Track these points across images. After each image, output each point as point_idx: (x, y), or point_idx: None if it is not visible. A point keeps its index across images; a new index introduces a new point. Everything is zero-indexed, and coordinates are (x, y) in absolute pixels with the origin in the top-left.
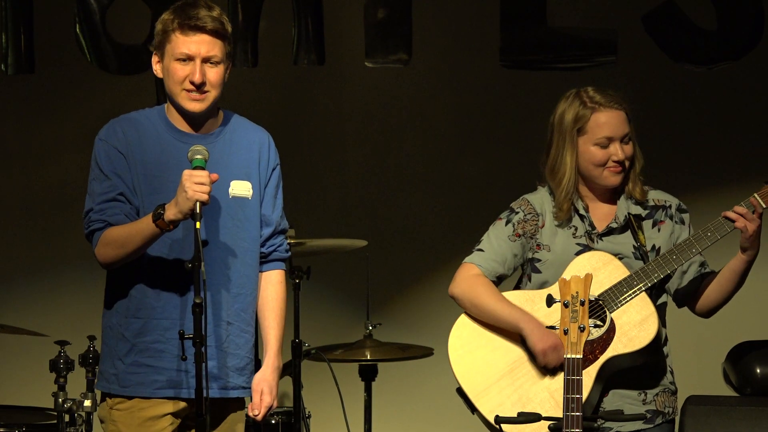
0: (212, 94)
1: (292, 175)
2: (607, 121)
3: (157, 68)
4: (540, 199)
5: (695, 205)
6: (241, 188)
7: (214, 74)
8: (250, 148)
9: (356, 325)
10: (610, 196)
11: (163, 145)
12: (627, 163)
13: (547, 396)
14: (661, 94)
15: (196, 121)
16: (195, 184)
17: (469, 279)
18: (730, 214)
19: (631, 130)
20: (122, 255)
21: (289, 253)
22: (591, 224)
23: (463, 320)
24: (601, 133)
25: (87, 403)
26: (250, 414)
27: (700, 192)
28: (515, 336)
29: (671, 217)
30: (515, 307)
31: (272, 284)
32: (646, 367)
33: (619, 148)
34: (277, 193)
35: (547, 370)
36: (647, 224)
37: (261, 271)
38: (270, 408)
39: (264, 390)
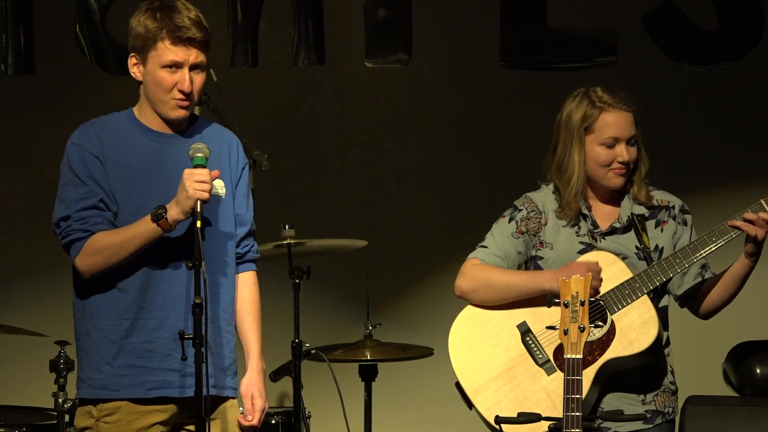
0: (194, 99)
1: (292, 175)
2: (615, 121)
3: (135, 71)
4: (543, 197)
5: (695, 204)
6: (215, 186)
7: (200, 80)
8: (221, 147)
9: (356, 325)
10: (613, 197)
11: (139, 147)
12: (631, 166)
13: (545, 396)
14: (661, 94)
15: (170, 121)
16: (196, 183)
17: (475, 268)
18: (738, 224)
19: (638, 132)
20: (113, 262)
21: (259, 254)
22: (594, 223)
23: (464, 315)
24: (608, 133)
25: None
26: (244, 422)
27: (700, 192)
28: (515, 334)
29: (674, 218)
30: (529, 272)
31: (248, 286)
32: (645, 368)
33: (625, 149)
34: (249, 193)
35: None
36: (650, 224)
37: (236, 273)
38: (263, 411)
39: (254, 394)
